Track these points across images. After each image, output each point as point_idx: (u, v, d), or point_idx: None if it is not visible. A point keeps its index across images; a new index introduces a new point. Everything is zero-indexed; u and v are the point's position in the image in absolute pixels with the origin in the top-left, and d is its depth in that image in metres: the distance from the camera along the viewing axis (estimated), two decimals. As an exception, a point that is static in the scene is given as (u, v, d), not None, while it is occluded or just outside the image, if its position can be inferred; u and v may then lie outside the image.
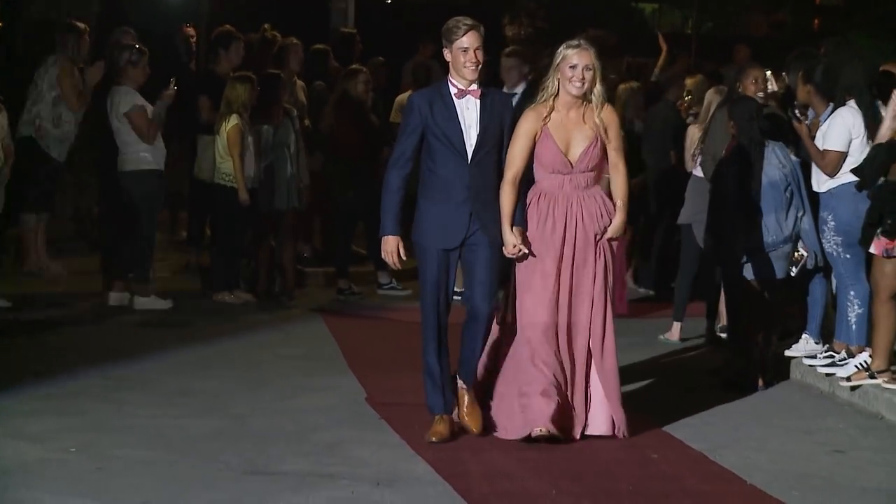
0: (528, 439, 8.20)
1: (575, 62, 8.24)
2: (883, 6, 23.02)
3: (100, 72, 13.26)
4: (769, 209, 10.03)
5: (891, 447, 8.73)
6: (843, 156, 9.95)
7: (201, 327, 11.81)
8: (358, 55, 15.54)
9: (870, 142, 9.73)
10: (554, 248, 8.29)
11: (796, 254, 10.21)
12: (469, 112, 8.17)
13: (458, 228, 8.19)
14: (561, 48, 8.35)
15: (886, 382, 9.44)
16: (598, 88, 8.32)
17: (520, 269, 8.40)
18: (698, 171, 11.21)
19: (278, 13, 18.20)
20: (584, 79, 8.24)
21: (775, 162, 10.11)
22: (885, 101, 9.66)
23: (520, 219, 8.26)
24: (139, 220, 12.43)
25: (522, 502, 7.28)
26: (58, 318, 11.80)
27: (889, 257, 9.28)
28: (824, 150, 10.08)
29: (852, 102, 10.09)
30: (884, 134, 9.47)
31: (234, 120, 12.44)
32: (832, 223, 10.01)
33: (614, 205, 8.42)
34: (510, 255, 8.29)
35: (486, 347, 8.55)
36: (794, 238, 10.15)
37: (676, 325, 11.72)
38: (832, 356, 10.12)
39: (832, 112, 10.32)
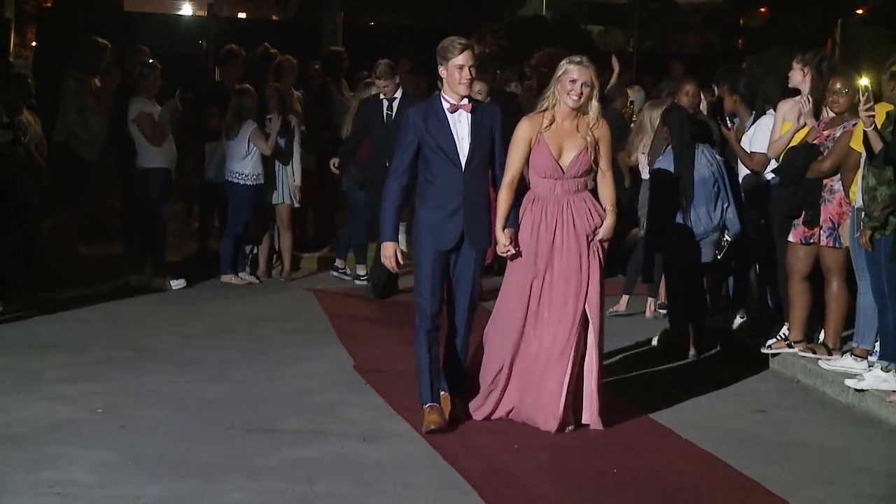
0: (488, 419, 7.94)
1: (575, 77, 7.77)
2: (796, 27, 23.15)
3: (116, 77, 13.32)
4: (700, 202, 10.02)
5: (805, 407, 8.75)
6: (767, 156, 9.98)
7: (210, 305, 11.77)
8: (345, 70, 15.55)
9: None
10: (545, 248, 7.79)
11: (723, 240, 10.22)
12: (461, 125, 7.75)
13: (453, 231, 7.73)
14: (563, 62, 7.87)
15: (802, 351, 9.47)
16: (594, 104, 7.84)
17: (510, 266, 7.93)
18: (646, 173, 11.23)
19: (276, 33, 18.20)
20: (581, 94, 7.75)
21: (704, 161, 10.10)
22: None
23: (513, 221, 7.82)
24: (153, 212, 12.47)
25: (485, 454, 7.27)
26: (86, 297, 11.72)
27: (806, 244, 9.32)
28: (752, 151, 10.13)
29: (771, 111, 10.12)
30: (781, 143, 9.59)
31: (252, 125, 12.64)
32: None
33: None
34: (501, 254, 7.91)
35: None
36: (721, 227, 10.15)
37: (625, 298, 11.75)
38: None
39: (755, 119, 10.37)
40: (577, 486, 6.76)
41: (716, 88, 11.38)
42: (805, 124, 9.62)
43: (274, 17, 29.19)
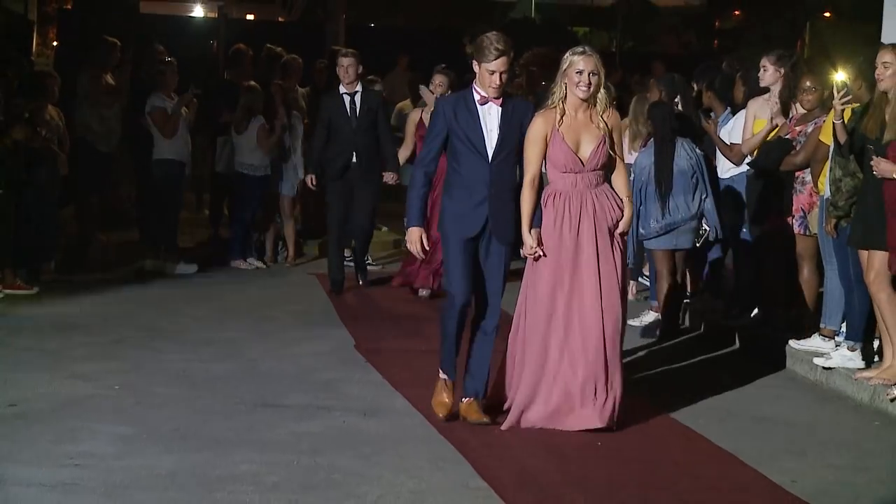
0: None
1: (581, 67, 7.18)
2: (768, 28, 23.15)
3: (127, 73, 13.41)
4: (679, 192, 10.00)
5: (777, 384, 8.77)
6: (742, 151, 9.97)
7: (220, 288, 11.76)
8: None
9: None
10: (569, 246, 7.19)
11: (700, 229, 10.20)
12: (491, 117, 7.30)
13: (478, 219, 7.26)
14: (567, 55, 7.29)
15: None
16: (602, 93, 7.24)
17: (534, 267, 7.31)
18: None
19: (283, 34, 18.15)
20: (589, 83, 7.17)
21: (684, 154, 10.07)
22: None
23: (538, 221, 7.25)
24: (166, 200, 12.46)
25: (480, 429, 7.22)
26: (104, 281, 11.72)
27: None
28: (731, 144, 10.11)
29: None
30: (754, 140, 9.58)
31: (260, 119, 12.64)
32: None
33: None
34: (527, 256, 7.30)
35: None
36: (699, 216, 10.12)
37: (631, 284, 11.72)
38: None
39: (734, 113, 10.36)
40: (564, 458, 6.77)
41: (695, 85, 11.38)
42: (777, 124, 9.61)
43: (280, 19, 29.12)
